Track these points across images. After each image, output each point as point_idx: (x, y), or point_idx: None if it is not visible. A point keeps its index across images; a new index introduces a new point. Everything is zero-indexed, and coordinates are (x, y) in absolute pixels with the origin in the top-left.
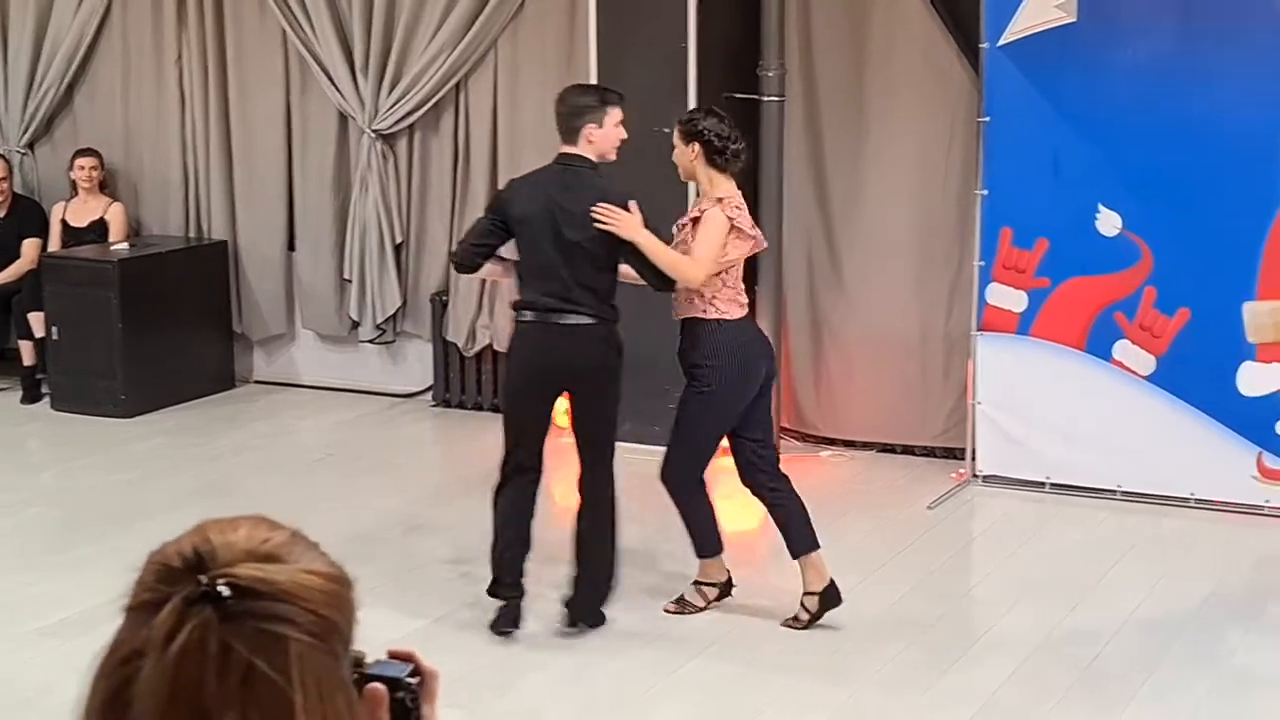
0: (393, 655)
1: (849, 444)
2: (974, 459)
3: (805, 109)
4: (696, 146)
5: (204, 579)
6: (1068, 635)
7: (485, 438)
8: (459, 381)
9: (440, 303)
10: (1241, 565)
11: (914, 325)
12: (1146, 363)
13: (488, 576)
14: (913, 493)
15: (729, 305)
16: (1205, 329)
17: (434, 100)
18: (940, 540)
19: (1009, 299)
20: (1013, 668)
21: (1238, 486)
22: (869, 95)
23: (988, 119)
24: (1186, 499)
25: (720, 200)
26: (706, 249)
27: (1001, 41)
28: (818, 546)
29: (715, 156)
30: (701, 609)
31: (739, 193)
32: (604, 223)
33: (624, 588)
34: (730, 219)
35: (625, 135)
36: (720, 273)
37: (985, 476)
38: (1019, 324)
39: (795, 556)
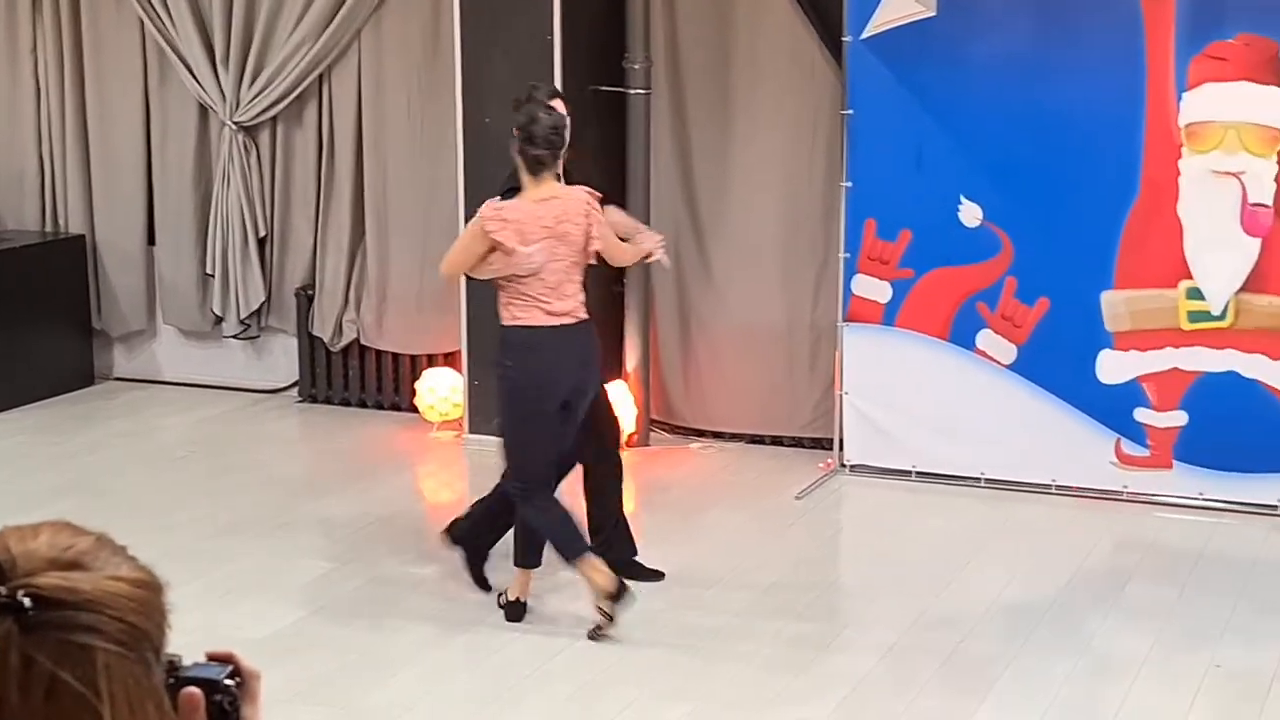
0: (211, 657)
1: (718, 435)
2: (841, 449)
3: (671, 101)
4: (516, 141)
5: (3, 590)
6: (933, 623)
7: (352, 433)
8: (325, 376)
9: (305, 297)
10: (1102, 550)
11: (781, 317)
12: (1008, 352)
13: (356, 572)
14: (781, 483)
15: (525, 312)
16: (1065, 318)
17: (297, 92)
18: (808, 530)
19: (874, 290)
20: (878, 656)
21: (1097, 472)
22: (734, 88)
23: (851, 112)
24: (1048, 486)
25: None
26: (452, 249)
27: (864, 35)
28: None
29: (518, 156)
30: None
31: (541, 202)
32: None
33: (495, 583)
34: (487, 231)
35: None
36: (502, 281)
37: (852, 466)
38: (884, 315)
39: (516, 565)
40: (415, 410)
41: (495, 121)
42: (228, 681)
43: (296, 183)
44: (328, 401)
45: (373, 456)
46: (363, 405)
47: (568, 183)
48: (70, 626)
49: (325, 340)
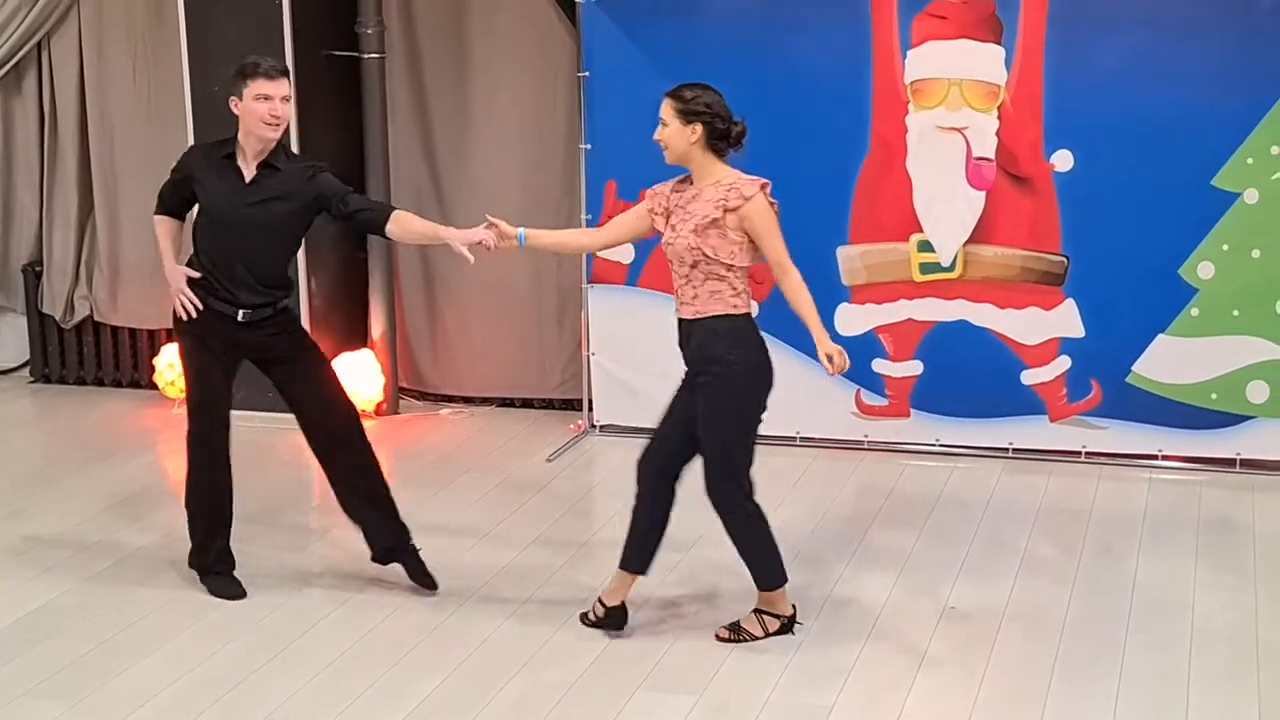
0: None
1: (468, 400)
2: (591, 410)
3: (408, 66)
4: (699, 127)
5: None
6: (680, 579)
7: (89, 414)
8: (58, 355)
9: (34, 274)
10: (845, 499)
11: (527, 280)
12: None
13: (98, 555)
14: (532, 446)
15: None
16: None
17: (14, 61)
18: (559, 492)
19: (617, 251)
20: (630, 614)
21: (839, 423)
22: (471, 51)
23: (587, 74)
24: (792, 437)
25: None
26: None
27: None
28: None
29: (718, 141)
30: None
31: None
32: None
33: (245, 561)
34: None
35: (273, 111)
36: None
37: (602, 426)
38: (627, 275)
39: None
40: (155, 387)
41: (223, 88)
42: None
43: (18, 155)
44: (62, 381)
45: (112, 436)
46: (100, 384)
47: (300, 152)
48: None
49: (56, 318)
